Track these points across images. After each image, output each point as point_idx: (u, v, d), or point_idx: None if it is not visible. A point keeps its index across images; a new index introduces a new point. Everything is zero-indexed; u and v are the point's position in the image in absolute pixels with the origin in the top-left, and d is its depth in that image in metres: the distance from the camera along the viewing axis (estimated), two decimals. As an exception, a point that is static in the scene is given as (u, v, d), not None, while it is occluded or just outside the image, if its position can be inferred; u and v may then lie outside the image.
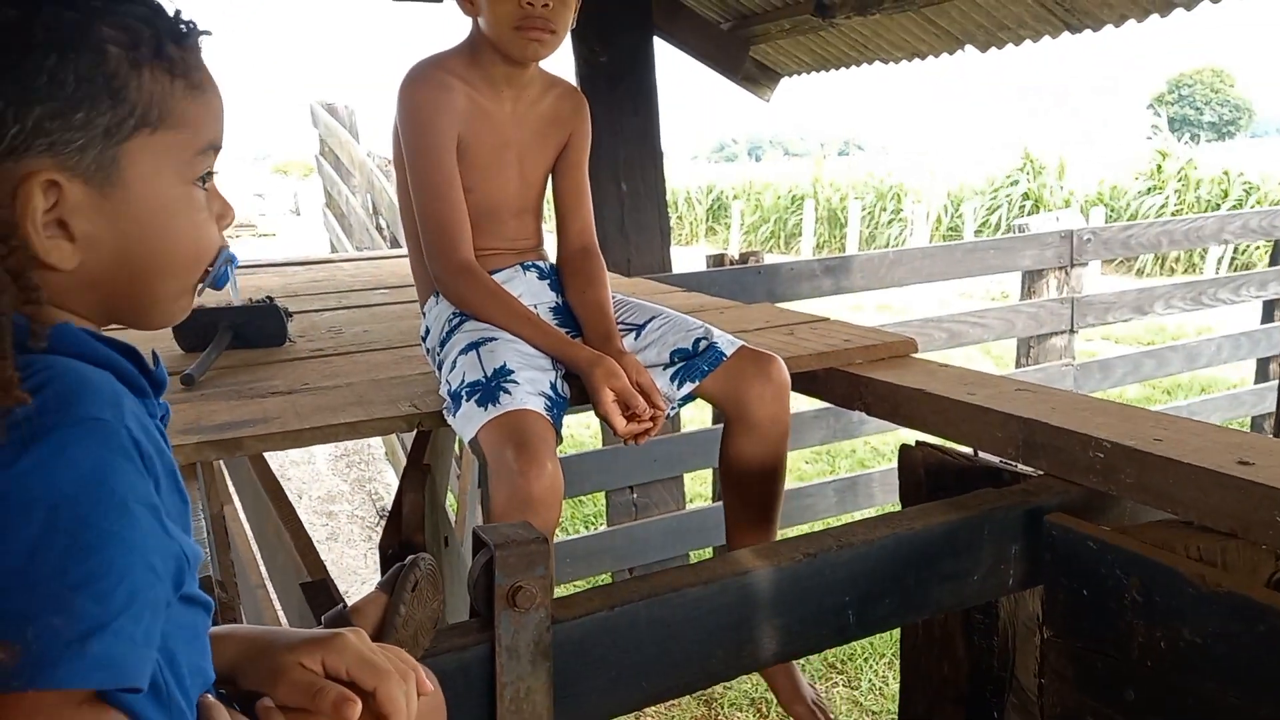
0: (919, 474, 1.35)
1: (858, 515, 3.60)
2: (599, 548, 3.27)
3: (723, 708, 3.01)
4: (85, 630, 0.46)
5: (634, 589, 0.90)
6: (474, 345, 1.26)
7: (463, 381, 1.21)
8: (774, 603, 0.96)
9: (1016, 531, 1.11)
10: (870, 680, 3.05)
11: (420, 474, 1.37)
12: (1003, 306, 4.42)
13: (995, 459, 1.31)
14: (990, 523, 1.09)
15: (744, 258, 3.74)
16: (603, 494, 3.37)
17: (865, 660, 3.17)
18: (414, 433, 1.61)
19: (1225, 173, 13.03)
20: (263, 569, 1.89)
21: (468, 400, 1.18)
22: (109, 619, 0.47)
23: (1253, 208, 10.64)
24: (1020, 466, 1.27)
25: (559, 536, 4.17)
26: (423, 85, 1.36)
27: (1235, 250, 10.29)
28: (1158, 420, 1.18)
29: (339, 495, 4.81)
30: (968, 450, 1.36)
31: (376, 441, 5.57)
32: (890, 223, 14.77)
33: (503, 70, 1.38)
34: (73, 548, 0.47)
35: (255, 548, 1.94)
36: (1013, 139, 15.44)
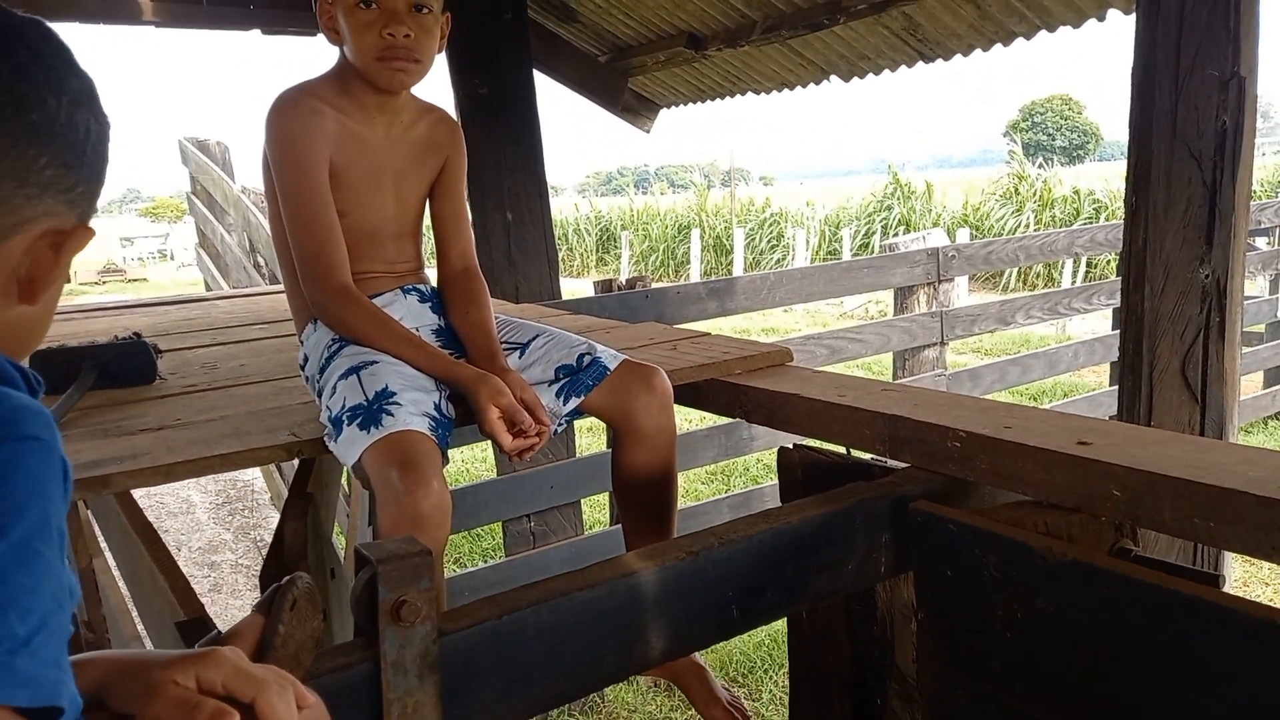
0: (796, 474, 1.40)
1: (752, 530, 3.67)
2: (498, 580, 3.23)
3: (628, 730, 3.01)
4: (11, 646, 0.45)
5: (522, 596, 0.91)
6: (354, 369, 1.25)
7: (344, 406, 1.20)
8: (660, 602, 0.99)
9: (886, 521, 1.17)
10: (771, 691, 3.11)
11: (302, 503, 1.34)
12: (878, 323, 4.63)
13: (866, 456, 1.38)
14: (861, 513, 1.15)
15: (631, 283, 3.80)
16: (500, 524, 3.34)
17: (765, 672, 3.23)
18: (297, 466, 1.58)
19: (1076, 192, 14.02)
20: (138, 621, 1.80)
21: (349, 424, 1.17)
22: (30, 636, 0.46)
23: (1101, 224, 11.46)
24: (889, 461, 1.34)
25: (455, 570, 4.10)
26: (292, 111, 1.36)
27: (1088, 263, 11.04)
28: (1009, 410, 1.27)
29: (221, 545, 4.59)
30: (841, 449, 1.43)
31: (261, 486, 5.36)
32: (773, 248, 15.24)
33: (374, 98, 1.39)
34: (7, 560, 0.46)
35: (129, 598, 1.85)
36: (882, 164, 16.20)
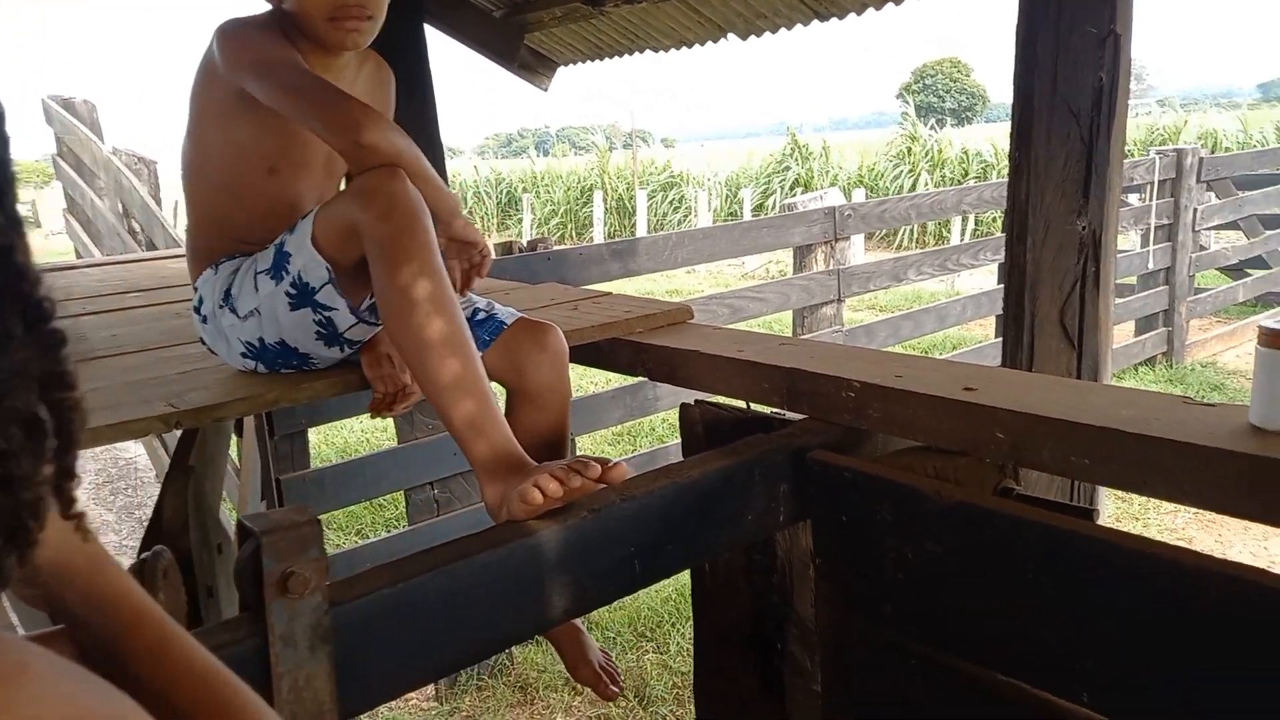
0: (698, 430, 1.41)
1: (659, 489, 3.71)
2: (401, 549, 3.18)
3: (538, 691, 3.02)
4: None
5: (419, 562, 0.89)
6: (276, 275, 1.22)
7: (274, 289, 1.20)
8: (562, 561, 0.98)
9: (785, 471, 1.19)
10: (678, 643, 3.16)
11: (183, 476, 1.28)
12: (778, 281, 4.70)
13: (766, 409, 1.40)
14: (760, 465, 1.16)
15: (532, 245, 3.75)
16: (402, 493, 3.28)
17: (673, 625, 3.28)
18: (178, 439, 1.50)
19: (965, 152, 14.49)
20: (12, 614, 1.70)
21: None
22: None
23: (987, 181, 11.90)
24: (788, 414, 1.36)
25: (357, 541, 4.02)
26: (259, 27, 1.24)
27: (976, 221, 11.45)
28: (900, 360, 1.31)
29: (105, 526, 4.37)
30: (741, 404, 1.45)
31: (145, 464, 5.12)
32: (675, 209, 15.28)
33: (319, 57, 1.29)
34: None
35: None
36: (781, 126, 16.40)
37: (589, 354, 1.58)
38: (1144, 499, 4.16)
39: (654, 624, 3.36)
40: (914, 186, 13.96)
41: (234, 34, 1.22)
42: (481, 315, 1.34)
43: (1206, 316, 6.51)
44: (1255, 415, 0.90)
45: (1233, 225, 6.65)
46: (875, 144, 16.37)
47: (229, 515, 3.09)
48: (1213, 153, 9.05)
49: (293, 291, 1.20)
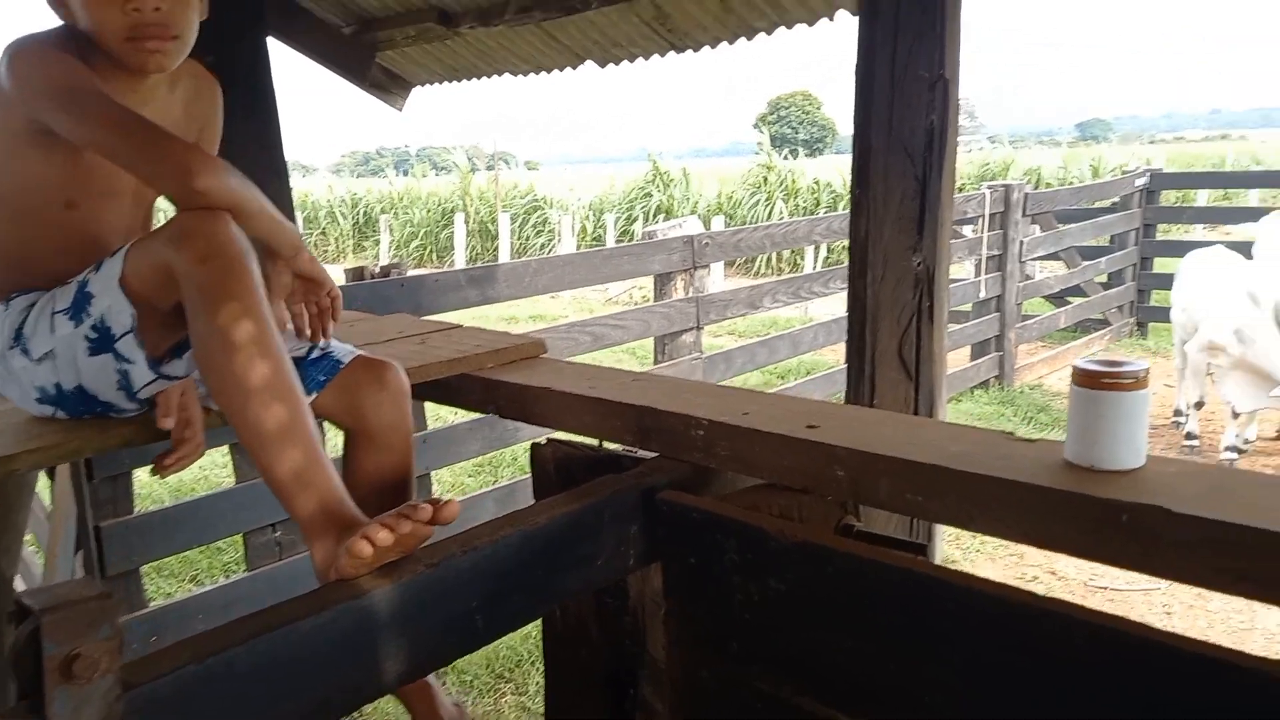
0: (549, 469, 1.38)
1: (519, 520, 3.63)
2: (239, 596, 2.98)
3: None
4: None
5: (231, 633, 0.82)
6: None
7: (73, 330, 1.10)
8: (398, 621, 0.92)
9: (635, 512, 1.17)
10: (537, 683, 3.09)
11: (-34, 539, 1.14)
12: (638, 309, 4.74)
13: (618, 447, 1.39)
14: (610, 507, 1.14)
15: (385, 270, 3.62)
16: (241, 536, 3.08)
17: (533, 664, 3.21)
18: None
19: (817, 182, 15.14)
20: None
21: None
22: None
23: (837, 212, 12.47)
24: (640, 452, 1.35)
25: (191, 590, 3.74)
26: (55, 47, 1.11)
27: (828, 249, 11.95)
28: (748, 397, 1.32)
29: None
30: (594, 442, 1.43)
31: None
32: (539, 234, 15.23)
33: (124, 80, 1.18)
34: None
35: None
36: (643, 153, 16.67)
37: (436, 391, 1.52)
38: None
39: (513, 664, 3.28)
40: (770, 214, 14.46)
41: (27, 56, 1.10)
42: (316, 354, 1.27)
43: (1033, 341, 7.01)
44: (1069, 452, 0.95)
45: (1054, 256, 7.20)
46: (734, 172, 16.88)
47: (39, 568, 2.81)
48: (1037, 188, 9.79)
49: (93, 335, 1.10)
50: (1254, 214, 5.34)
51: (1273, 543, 0.76)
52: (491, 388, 1.49)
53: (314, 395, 1.24)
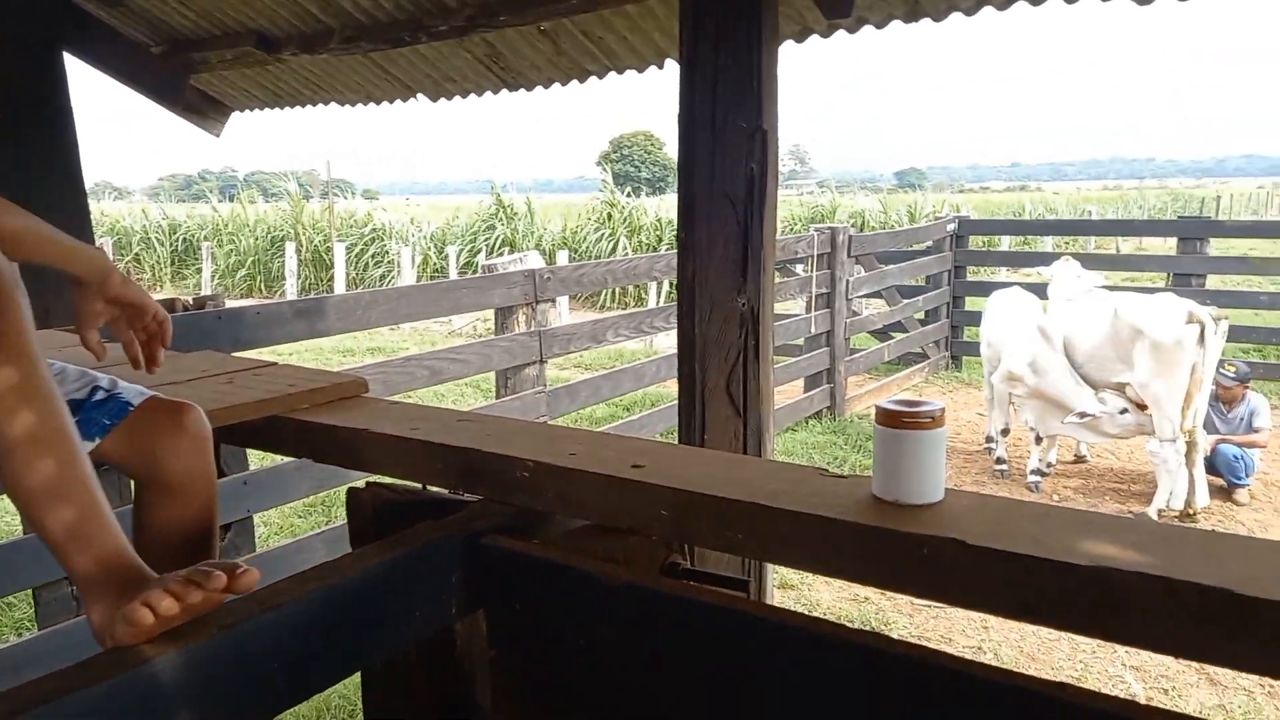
0: (368, 514, 1.32)
1: (350, 565, 3.46)
2: (27, 658, 2.68)
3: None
4: None
5: (-21, 717, 0.72)
6: None
7: None
8: (187, 689, 0.84)
9: (456, 559, 1.13)
10: (370, 735, 2.94)
11: None
12: (479, 342, 4.66)
13: (444, 491, 1.34)
14: (430, 554, 1.10)
15: (200, 302, 3.40)
16: (31, 591, 2.77)
17: (365, 715, 3.05)
18: None
19: (659, 220, 15.50)
20: None
21: None
22: None
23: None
24: (466, 495, 1.31)
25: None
26: None
27: (670, 284, 12.23)
28: (574, 437, 1.31)
29: None
30: (418, 485, 1.37)
31: None
32: (377, 265, 14.79)
33: None
34: None
35: None
36: (487, 185, 16.56)
37: (244, 434, 1.43)
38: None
39: (348, 712, 3.10)
40: (614, 249, 14.66)
41: None
42: (101, 395, 1.15)
43: (861, 374, 7.40)
44: (876, 487, 0.99)
45: (877, 294, 7.65)
46: (578, 206, 17.05)
47: None
48: (861, 230, 10.42)
49: None
50: (1049, 259, 5.88)
51: (1051, 571, 0.82)
52: (305, 430, 1.41)
53: (97, 441, 1.13)
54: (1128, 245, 16.68)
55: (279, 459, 5.02)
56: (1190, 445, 4.66)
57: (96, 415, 1.15)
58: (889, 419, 0.97)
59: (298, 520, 5.02)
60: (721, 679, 0.95)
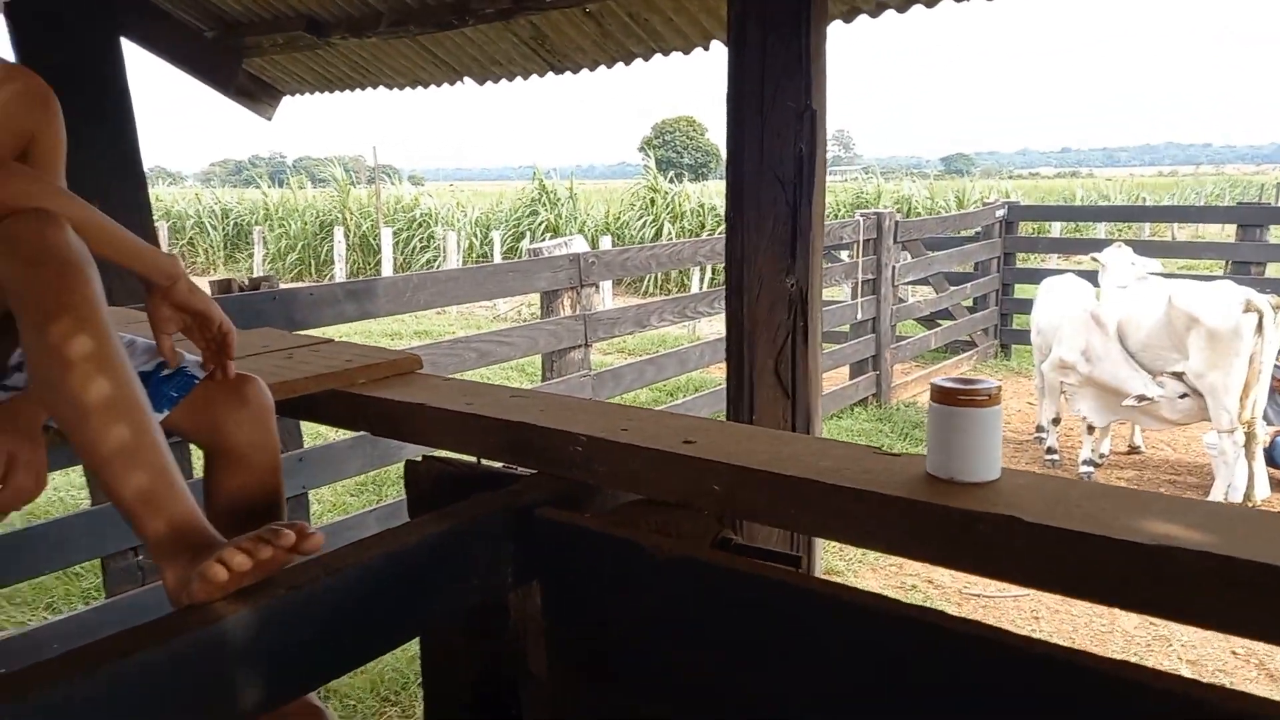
0: (425, 486, 1.35)
1: (398, 542, 3.53)
2: (98, 624, 2.78)
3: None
4: None
5: (54, 669, 0.75)
6: None
7: None
8: (257, 647, 0.88)
9: (511, 531, 1.15)
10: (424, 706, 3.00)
11: None
12: (525, 326, 4.70)
13: (497, 464, 1.36)
14: (484, 526, 1.12)
15: (255, 283, 3.47)
16: (99, 561, 2.88)
17: (419, 686, 3.12)
18: None
19: (701, 205, 15.44)
20: None
21: None
22: None
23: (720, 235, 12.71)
24: (519, 469, 1.33)
25: (48, 617, 3.47)
26: None
27: (714, 270, 12.19)
28: (626, 414, 1.32)
29: None
30: (472, 459, 1.40)
31: None
32: (423, 250, 14.95)
33: None
34: None
35: None
36: (529, 170, 16.62)
37: (303, 408, 1.47)
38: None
39: (398, 687, 3.18)
40: (657, 235, 14.64)
41: None
42: (167, 370, 1.19)
43: (907, 361, 7.33)
44: (930, 465, 0.99)
45: (924, 281, 7.56)
46: (620, 192, 17.04)
47: None
48: (907, 216, 10.28)
49: None
50: (1101, 245, 5.76)
51: (1107, 550, 0.82)
52: (362, 404, 1.45)
53: (165, 413, 1.17)
54: (1184, 233, 16.25)
55: (332, 437, 5.12)
56: (1249, 437, 4.55)
57: (165, 389, 1.19)
58: (945, 396, 0.96)
59: (350, 498, 5.13)
60: (774, 652, 0.96)
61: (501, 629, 1.33)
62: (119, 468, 0.95)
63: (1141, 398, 4.66)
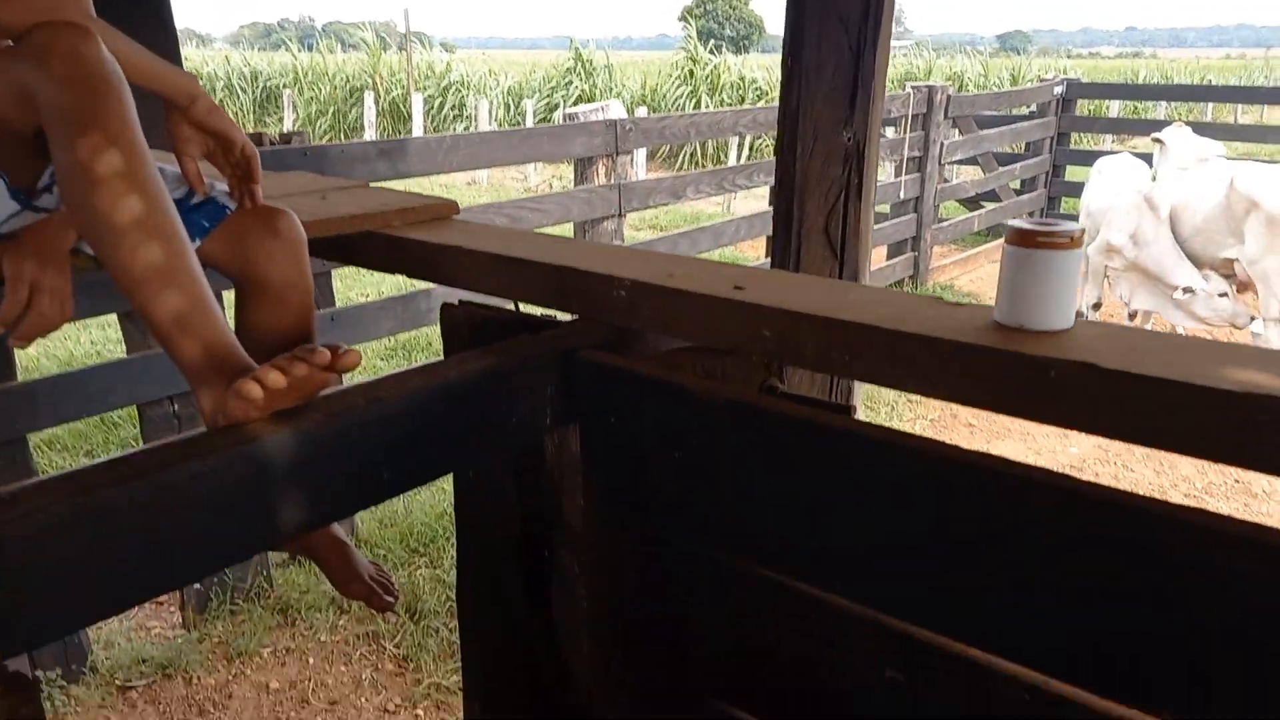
0: (462, 332, 1.31)
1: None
2: (137, 471, 2.86)
3: (300, 611, 2.86)
4: None
5: (105, 474, 0.75)
6: None
7: None
8: (296, 470, 0.86)
9: (551, 372, 1.12)
10: (452, 557, 3.10)
11: None
12: (558, 194, 4.60)
13: (536, 310, 1.32)
14: (525, 365, 1.09)
15: (286, 138, 3.40)
16: (135, 409, 2.93)
17: (447, 540, 3.21)
18: None
19: (742, 78, 14.88)
20: None
21: None
22: None
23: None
24: (559, 316, 1.29)
25: (85, 464, 3.59)
26: None
27: (751, 146, 11.85)
28: (672, 260, 1.27)
29: None
30: (510, 305, 1.36)
31: None
32: (454, 118, 14.64)
33: None
34: None
35: None
36: (564, 40, 16.03)
37: (338, 249, 1.42)
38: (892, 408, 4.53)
39: (427, 539, 3.27)
40: (695, 108, 14.20)
41: None
42: (199, 198, 1.15)
43: (946, 244, 7.15)
44: (999, 313, 0.94)
45: (972, 161, 7.29)
46: (658, 64, 16.45)
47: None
48: (960, 91, 9.83)
49: None
50: (1161, 127, 5.47)
51: (1190, 396, 0.76)
52: (398, 246, 1.40)
53: (198, 242, 1.14)
54: (1247, 116, 15.46)
55: (362, 298, 5.11)
56: (1299, 328, 4.42)
57: (195, 217, 1.15)
58: (1022, 238, 0.90)
59: (379, 362, 5.19)
60: (822, 498, 0.93)
61: (539, 474, 1.32)
62: (153, 289, 0.92)
63: (1187, 289, 4.52)
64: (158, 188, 0.95)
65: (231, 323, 1.08)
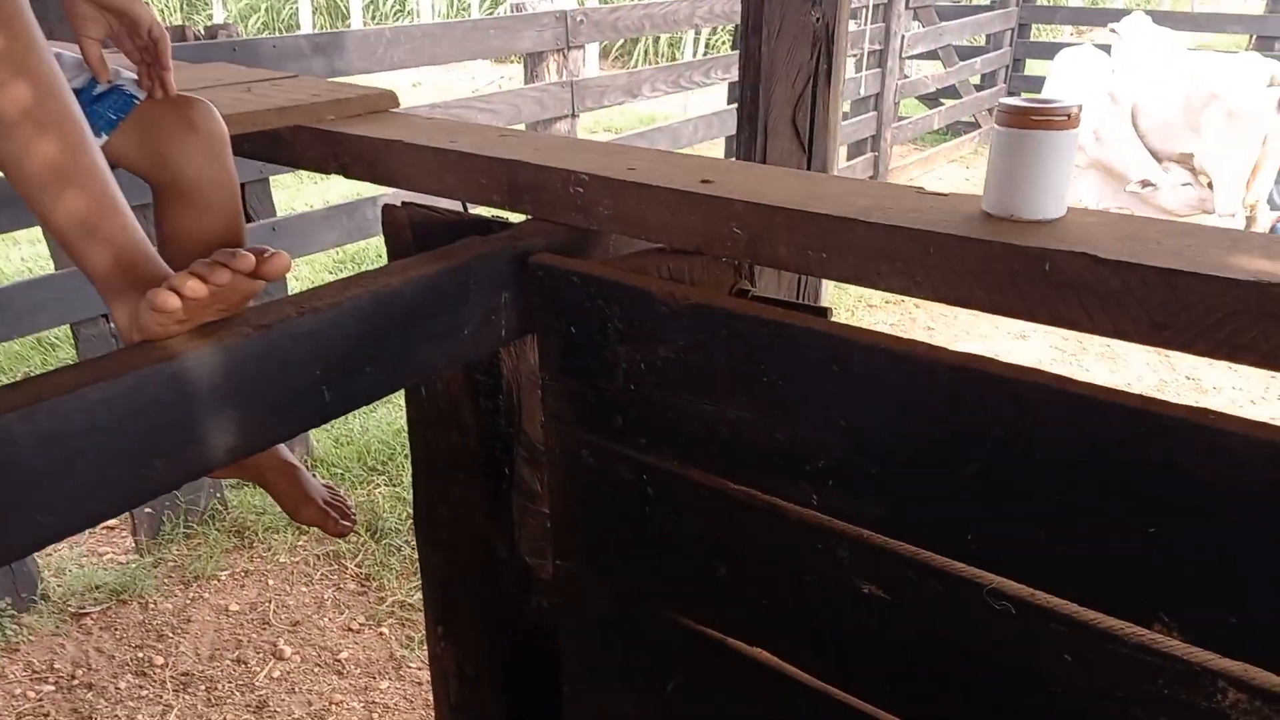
0: (406, 236, 1.22)
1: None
2: (74, 393, 2.73)
3: (258, 533, 2.80)
4: None
5: (4, 399, 0.66)
6: None
7: None
8: (223, 391, 0.78)
9: (505, 278, 1.04)
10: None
11: None
12: (508, 92, 4.39)
13: (486, 212, 1.23)
14: (477, 271, 1.00)
15: (212, 31, 3.16)
16: (69, 328, 2.78)
17: (406, 457, 3.15)
18: None
19: (695, -29, 14.29)
20: None
21: None
22: None
23: None
24: (512, 218, 1.20)
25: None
26: None
27: (707, 44, 11.48)
28: (632, 153, 1.17)
29: None
30: (458, 207, 1.26)
31: None
32: (396, 14, 13.93)
33: None
34: None
35: None
36: (511, -73, 15.18)
37: (267, 145, 1.30)
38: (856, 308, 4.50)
39: (385, 457, 3.21)
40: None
41: None
42: (101, 88, 1.02)
43: (905, 143, 7.03)
44: (988, 202, 0.87)
45: (932, 55, 7.11)
46: (608, -45, 15.73)
47: None
48: (918, -16, 9.54)
49: None
50: (1121, 16, 5.35)
51: (1204, 287, 0.71)
52: (333, 142, 1.28)
53: (104, 138, 1.01)
54: (1206, 3, 15.33)
55: (305, 208, 4.90)
56: (1250, 221, 4.45)
57: (100, 109, 1.03)
58: (1015, 118, 0.82)
59: (327, 275, 5.02)
60: (801, 408, 0.87)
61: (494, 387, 1.25)
62: (50, 191, 0.81)
63: (1145, 183, 4.51)
64: (50, 73, 0.83)
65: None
